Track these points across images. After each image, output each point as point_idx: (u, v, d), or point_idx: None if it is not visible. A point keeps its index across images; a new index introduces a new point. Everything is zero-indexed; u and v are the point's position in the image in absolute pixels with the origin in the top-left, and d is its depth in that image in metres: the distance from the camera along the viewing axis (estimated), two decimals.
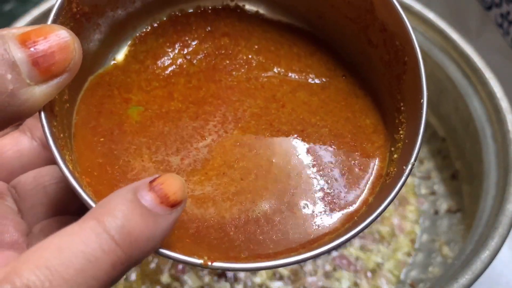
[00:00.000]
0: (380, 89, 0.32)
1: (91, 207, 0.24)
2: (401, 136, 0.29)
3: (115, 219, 0.21)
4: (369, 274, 0.51)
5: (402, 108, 0.30)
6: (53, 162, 0.26)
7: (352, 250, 0.52)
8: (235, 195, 0.29)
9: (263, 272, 0.50)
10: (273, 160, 0.30)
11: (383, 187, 0.29)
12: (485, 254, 0.40)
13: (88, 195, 0.24)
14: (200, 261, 0.24)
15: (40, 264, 0.20)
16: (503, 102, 0.48)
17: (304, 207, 0.29)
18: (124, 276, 0.50)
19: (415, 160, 0.27)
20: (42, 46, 0.23)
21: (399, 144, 0.29)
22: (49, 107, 0.25)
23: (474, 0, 0.61)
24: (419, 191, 0.56)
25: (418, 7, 0.53)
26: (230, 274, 0.49)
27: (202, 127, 0.30)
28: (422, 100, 0.28)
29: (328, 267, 0.51)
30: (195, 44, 0.34)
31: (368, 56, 0.32)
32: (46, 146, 0.28)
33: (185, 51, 0.33)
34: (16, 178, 0.29)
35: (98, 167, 0.28)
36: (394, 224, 0.54)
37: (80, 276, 0.20)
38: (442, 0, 0.63)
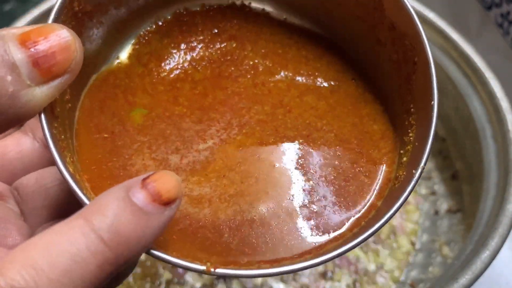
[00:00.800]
0: (390, 91, 0.31)
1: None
2: (411, 138, 0.28)
3: (104, 218, 0.21)
4: (369, 274, 0.51)
5: (412, 109, 0.29)
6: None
7: (352, 250, 0.52)
8: (233, 196, 0.28)
9: None
10: (276, 165, 0.29)
11: (392, 191, 0.28)
12: (485, 254, 0.40)
13: (89, 199, 0.23)
14: (202, 267, 0.23)
15: (26, 263, 0.20)
16: (503, 102, 0.48)
17: (304, 213, 0.28)
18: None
19: (425, 164, 0.26)
20: (42, 46, 0.22)
21: (409, 147, 0.28)
22: (50, 109, 0.24)
23: (474, 0, 0.61)
24: (419, 191, 0.56)
25: (418, 7, 0.53)
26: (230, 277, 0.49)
27: (204, 130, 0.30)
28: (432, 102, 0.27)
29: (328, 267, 0.51)
30: (200, 47, 0.33)
31: (377, 56, 0.31)
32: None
33: (190, 55, 0.33)
34: (18, 180, 0.29)
35: (98, 163, 0.28)
36: (394, 224, 0.54)
37: (66, 277, 0.20)
38: (442, 0, 0.63)
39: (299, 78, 0.32)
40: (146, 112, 0.30)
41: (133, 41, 0.32)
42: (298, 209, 0.28)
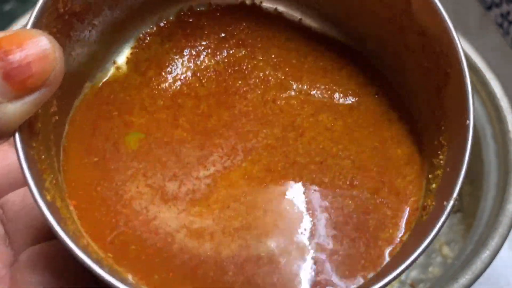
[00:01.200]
0: (418, 104, 0.28)
1: (68, 246, 0.20)
2: (441, 162, 0.25)
3: None
4: None
5: (442, 127, 0.25)
6: None
7: None
8: (238, 230, 0.25)
9: None
10: (286, 196, 0.26)
11: (420, 223, 0.25)
12: (485, 254, 0.40)
13: (65, 231, 0.21)
14: None
15: None
16: (503, 102, 0.48)
17: (318, 250, 0.25)
18: None
19: (458, 195, 0.22)
20: (15, 56, 0.19)
21: (439, 172, 0.25)
22: (28, 126, 0.21)
23: (474, 0, 0.61)
24: None
25: None
26: None
27: (206, 157, 0.27)
28: (468, 122, 0.23)
29: None
30: (206, 54, 0.30)
31: (404, 63, 0.28)
32: None
33: (194, 63, 0.29)
34: (4, 197, 0.26)
35: (87, 188, 0.26)
36: None
37: None
38: (442, 0, 0.62)
39: (314, 93, 0.29)
40: (143, 136, 0.27)
41: (131, 45, 0.29)
42: (311, 245, 0.25)
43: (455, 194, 0.22)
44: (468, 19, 0.62)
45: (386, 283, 0.21)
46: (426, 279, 0.49)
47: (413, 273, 0.51)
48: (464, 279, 0.40)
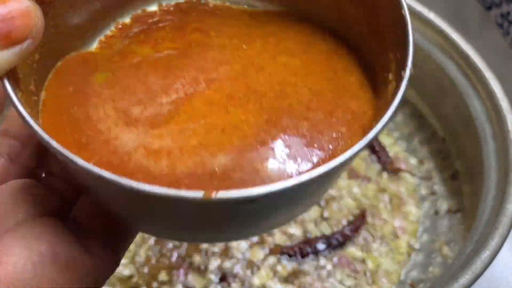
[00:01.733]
0: (362, 37, 0.31)
1: (43, 139, 0.22)
2: (391, 56, 0.28)
3: None
4: (369, 274, 0.51)
5: (386, 40, 0.28)
6: (22, 177, 0.27)
7: (353, 250, 0.52)
8: (196, 148, 0.26)
9: (263, 272, 0.50)
10: (244, 118, 0.28)
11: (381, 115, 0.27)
12: (485, 254, 0.40)
13: (44, 131, 0.23)
14: (200, 194, 0.21)
15: None
16: (503, 102, 0.48)
17: (271, 164, 0.26)
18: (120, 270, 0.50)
19: (412, 64, 0.25)
20: (0, 10, 0.22)
21: (392, 65, 0.28)
22: (12, 76, 0.24)
23: (474, 0, 0.61)
24: (419, 192, 0.56)
25: (418, 7, 0.53)
26: (230, 277, 0.49)
27: (169, 85, 0.29)
28: (403, 10, 0.26)
29: (328, 267, 0.51)
30: (165, 42, 0.33)
31: (340, 10, 0.31)
32: (14, 161, 0.27)
33: (155, 49, 0.32)
34: None
35: (58, 114, 0.28)
36: (394, 224, 0.54)
37: None
38: (442, 0, 0.63)
39: (269, 46, 0.32)
40: (110, 74, 0.30)
41: (94, 46, 0.32)
42: (264, 160, 0.26)
43: (409, 64, 0.25)
44: (468, 19, 0.62)
45: (355, 151, 0.22)
46: (426, 279, 0.49)
47: (413, 273, 0.51)
48: (464, 279, 0.40)
